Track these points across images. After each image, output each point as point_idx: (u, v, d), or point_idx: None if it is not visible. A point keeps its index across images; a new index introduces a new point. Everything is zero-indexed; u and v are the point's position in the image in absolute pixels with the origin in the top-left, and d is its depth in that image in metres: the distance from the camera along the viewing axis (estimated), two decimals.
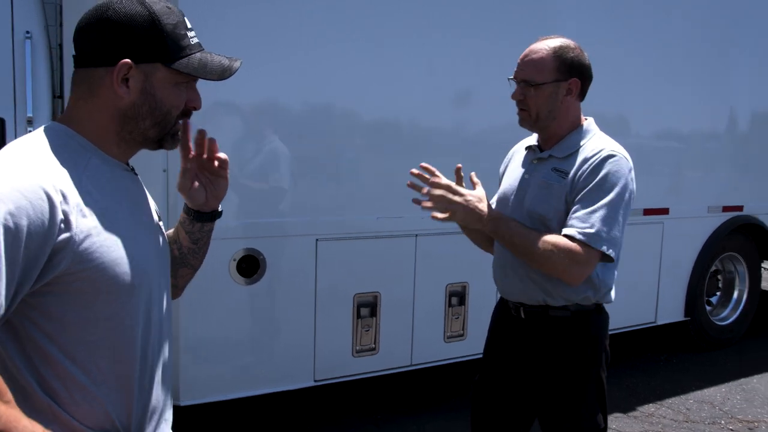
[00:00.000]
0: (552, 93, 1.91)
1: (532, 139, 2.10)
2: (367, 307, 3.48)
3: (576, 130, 1.98)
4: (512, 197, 2.05)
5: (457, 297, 3.74)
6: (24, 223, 0.97)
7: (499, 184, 2.18)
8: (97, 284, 1.09)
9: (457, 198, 1.84)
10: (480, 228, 1.91)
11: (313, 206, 3.27)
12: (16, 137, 2.87)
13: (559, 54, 1.91)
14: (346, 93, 3.27)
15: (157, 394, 1.27)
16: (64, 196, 1.04)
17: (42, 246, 1.00)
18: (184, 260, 1.45)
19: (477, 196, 1.89)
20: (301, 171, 3.23)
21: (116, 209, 1.15)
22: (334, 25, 3.16)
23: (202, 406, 3.21)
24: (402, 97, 3.38)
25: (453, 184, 1.88)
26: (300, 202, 3.24)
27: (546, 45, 1.92)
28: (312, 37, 3.12)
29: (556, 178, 1.93)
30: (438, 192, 1.84)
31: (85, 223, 1.06)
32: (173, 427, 1.38)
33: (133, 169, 1.27)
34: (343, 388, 3.80)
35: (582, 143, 1.95)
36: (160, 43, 1.14)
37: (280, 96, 3.15)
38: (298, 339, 3.30)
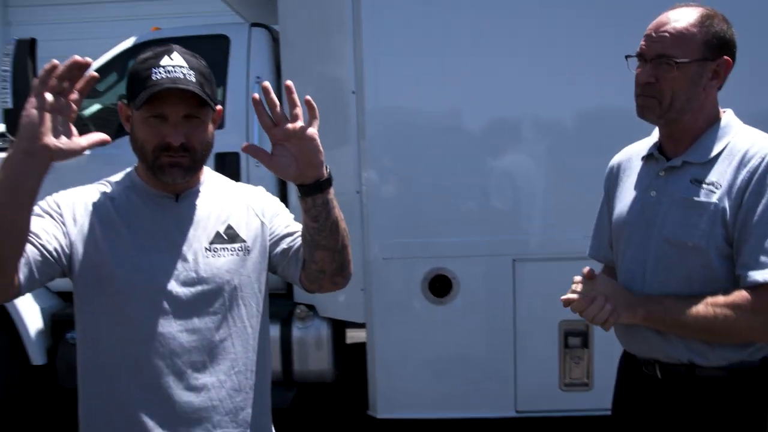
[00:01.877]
0: (695, 75, 1.46)
1: (644, 146, 1.65)
2: (577, 337, 3.14)
3: (715, 125, 1.52)
4: (637, 225, 1.57)
5: None
6: (41, 213, 1.33)
7: (609, 210, 1.71)
8: (84, 275, 1.36)
9: (606, 306, 1.44)
10: (632, 321, 1.49)
11: (508, 224, 3.10)
12: (247, 170, 3.37)
13: (708, 25, 1.46)
14: (542, 100, 3.05)
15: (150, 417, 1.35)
16: (75, 205, 1.38)
17: (52, 233, 1.32)
18: (314, 242, 1.37)
19: (611, 287, 1.50)
20: (495, 186, 3.09)
21: (131, 225, 1.38)
22: (517, 35, 3.00)
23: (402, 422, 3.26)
24: (604, 102, 3.02)
25: (581, 301, 1.48)
26: (493, 220, 3.10)
27: (689, 13, 1.48)
28: (497, 48, 3.01)
29: (701, 191, 1.46)
30: (587, 315, 1.47)
31: (87, 227, 1.36)
32: None
33: (177, 197, 1.42)
34: (550, 425, 3.47)
35: (727, 142, 1.49)
36: (131, 85, 1.34)
37: (469, 108, 3.09)
38: (497, 364, 3.14)
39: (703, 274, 1.47)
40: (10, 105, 3.02)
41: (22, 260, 1.21)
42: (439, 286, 3.11)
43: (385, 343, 3.14)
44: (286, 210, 1.56)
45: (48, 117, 1.07)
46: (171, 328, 1.35)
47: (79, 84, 1.12)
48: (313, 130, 1.24)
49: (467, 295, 3.10)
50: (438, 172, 3.11)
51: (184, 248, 1.38)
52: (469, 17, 2.98)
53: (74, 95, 1.12)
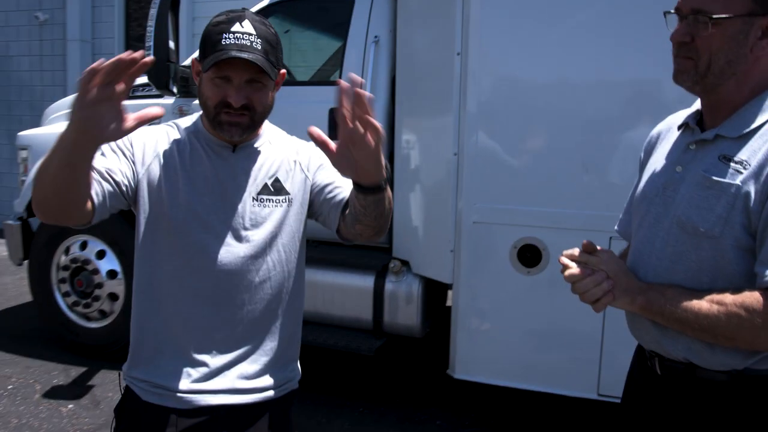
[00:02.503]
0: (739, 33, 1.24)
1: (685, 115, 1.44)
2: None
3: (762, 95, 1.28)
4: (655, 202, 1.39)
5: None
6: (116, 150, 1.48)
7: (638, 182, 1.55)
8: (147, 207, 1.50)
9: (603, 283, 1.32)
10: (629, 308, 1.35)
11: (608, 199, 2.92)
12: None
13: None
14: (655, 76, 2.81)
15: (196, 339, 1.50)
16: (146, 143, 1.51)
17: (123, 171, 1.47)
18: (357, 218, 1.45)
19: (614, 265, 1.34)
20: (598, 160, 2.92)
21: (192, 170, 1.50)
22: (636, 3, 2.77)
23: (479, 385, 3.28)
24: None
25: (577, 270, 1.34)
26: (593, 194, 2.94)
27: None
28: (611, 16, 2.81)
29: (725, 171, 1.25)
30: (580, 287, 1.34)
31: (153, 167, 1.49)
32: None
33: (234, 148, 1.53)
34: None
35: None
36: (203, 46, 1.44)
37: (576, 77, 2.93)
38: (582, 343, 3.02)
39: (714, 266, 1.27)
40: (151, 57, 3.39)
41: (98, 192, 1.37)
42: (530, 255, 3.04)
43: (469, 306, 3.15)
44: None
45: (93, 111, 1.10)
46: (216, 266, 1.48)
47: (131, 71, 1.11)
48: (377, 142, 1.21)
49: (557, 269, 2.99)
50: (539, 140, 3.01)
51: (235, 196, 1.51)
52: None
53: (121, 86, 1.10)
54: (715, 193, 1.26)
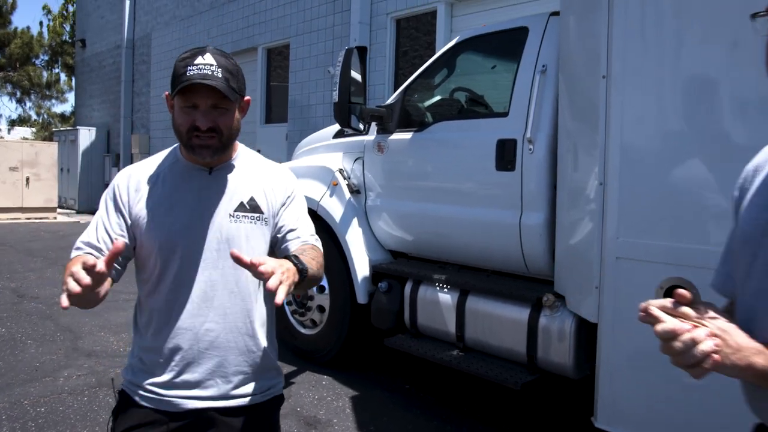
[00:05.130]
0: None
1: None
2: None
3: None
4: (763, 244, 1.14)
5: None
6: (109, 199, 1.72)
7: (735, 225, 1.28)
8: (140, 239, 1.68)
9: (706, 341, 1.02)
10: (741, 375, 1.06)
11: None
12: (522, 156, 3.47)
13: None
14: None
15: (185, 349, 1.65)
16: (129, 187, 1.70)
17: (118, 211, 1.69)
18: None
19: (722, 322, 1.07)
20: None
21: (171, 196, 1.67)
22: None
23: None
24: None
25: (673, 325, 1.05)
26: None
27: None
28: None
29: None
30: (676, 346, 1.03)
31: (140, 202, 1.68)
32: None
33: (210, 170, 1.70)
34: None
35: None
36: (172, 81, 1.61)
37: (732, 103, 2.52)
38: (740, 395, 2.52)
39: None
40: (336, 99, 3.87)
41: (114, 275, 1.58)
42: None
43: (612, 348, 2.88)
44: (302, 198, 1.82)
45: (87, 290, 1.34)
46: (199, 278, 1.65)
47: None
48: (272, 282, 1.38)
49: None
50: (693, 170, 2.65)
51: (212, 214, 1.67)
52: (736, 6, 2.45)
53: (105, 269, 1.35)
54: None
